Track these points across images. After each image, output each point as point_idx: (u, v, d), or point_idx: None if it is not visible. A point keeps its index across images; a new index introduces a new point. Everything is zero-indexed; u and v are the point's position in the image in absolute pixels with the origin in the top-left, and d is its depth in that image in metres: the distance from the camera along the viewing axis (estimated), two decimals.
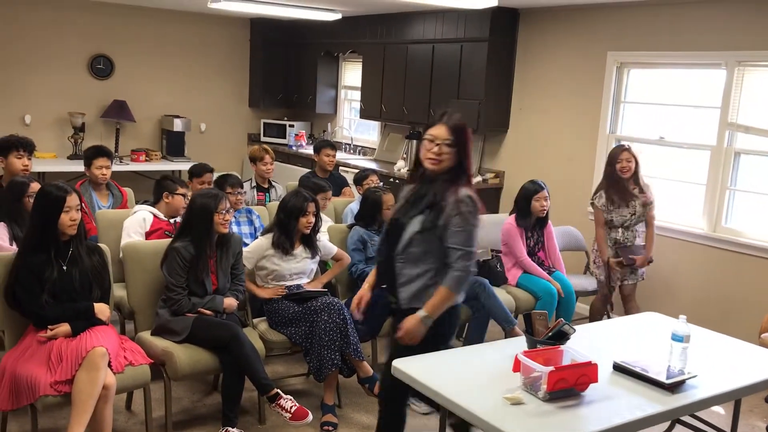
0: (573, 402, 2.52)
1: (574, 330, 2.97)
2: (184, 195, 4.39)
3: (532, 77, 6.48)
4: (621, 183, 4.80)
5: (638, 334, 3.38)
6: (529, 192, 4.83)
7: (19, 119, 7.83)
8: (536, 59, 6.42)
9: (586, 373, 2.58)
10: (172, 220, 4.40)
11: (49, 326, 3.19)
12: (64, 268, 3.28)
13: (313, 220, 4.03)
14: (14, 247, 3.73)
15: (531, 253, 4.91)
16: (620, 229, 4.84)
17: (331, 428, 3.73)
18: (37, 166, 4.66)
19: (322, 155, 5.91)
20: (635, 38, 5.60)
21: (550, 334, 2.93)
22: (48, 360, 3.08)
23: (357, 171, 5.94)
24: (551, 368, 2.51)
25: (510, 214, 4.96)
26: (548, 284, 4.71)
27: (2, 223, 3.90)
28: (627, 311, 4.83)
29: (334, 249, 4.27)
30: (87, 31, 8.08)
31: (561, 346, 2.81)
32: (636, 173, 4.84)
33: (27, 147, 4.48)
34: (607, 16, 5.78)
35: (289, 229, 3.99)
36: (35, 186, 3.91)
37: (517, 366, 2.64)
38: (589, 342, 3.14)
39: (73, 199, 3.29)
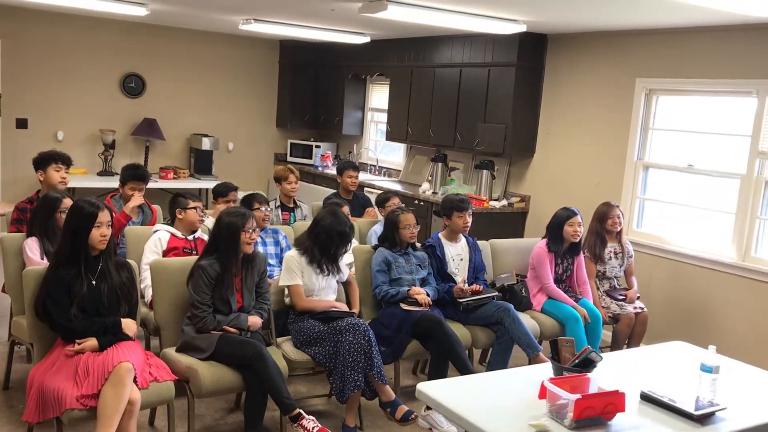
0: (600, 431, 2.49)
1: (601, 357, 2.94)
2: (196, 208, 4.43)
3: (560, 102, 6.47)
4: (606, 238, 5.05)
5: (666, 364, 3.33)
6: (562, 218, 4.83)
7: (52, 135, 7.98)
8: (564, 85, 6.42)
9: (614, 401, 2.54)
10: (191, 237, 4.43)
11: (76, 340, 3.23)
12: (94, 282, 3.33)
13: (349, 247, 4.11)
14: (45, 261, 3.80)
15: (559, 280, 4.88)
16: (612, 278, 5.12)
17: None
18: (69, 181, 4.76)
19: (344, 176, 5.95)
20: (664, 65, 5.58)
21: (576, 361, 2.90)
22: (75, 374, 3.11)
23: (380, 192, 5.96)
24: (578, 396, 2.48)
25: (543, 238, 4.94)
26: (574, 311, 4.66)
27: (34, 237, 3.97)
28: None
29: (346, 273, 4.27)
30: (120, 50, 8.25)
31: (588, 373, 2.78)
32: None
33: (64, 161, 4.63)
34: (637, 43, 5.77)
35: (332, 252, 4.03)
36: (67, 202, 3.99)
37: (543, 393, 2.62)
38: (617, 370, 3.10)
39: (104, 215, 3.34)
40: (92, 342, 3.21)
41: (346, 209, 4.98)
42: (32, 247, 3.93)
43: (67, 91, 8.02)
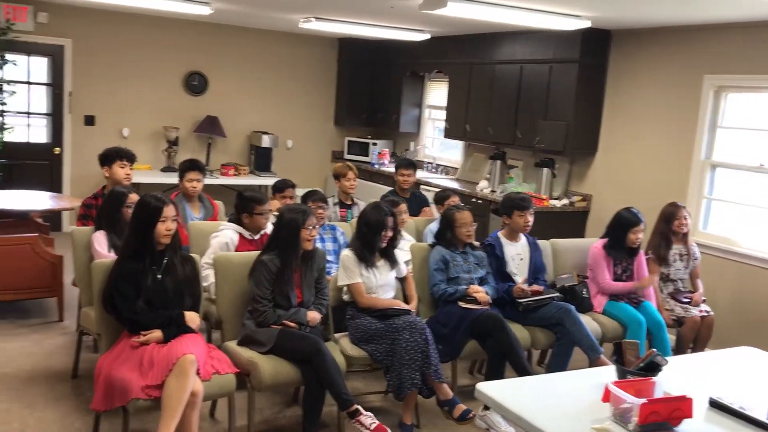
0: None
1: (667, 361, 2.86)
2: (261, 213, 4.34)
3: (624, 100, 6.32)
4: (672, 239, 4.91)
5: (735, 370, 3.21)
6: (627, 223, 4.70)
7: (118, 132, 8.22)
8: (628, 82, 6.27)
9: (681, 407, 2.47)
10: (257, 236, 4.47)
11: (142, 332, 3.31)
12: (159, 276, 3.41)
13: (390, 234, 4.05)
14: (112, 255, 3.91)
15: (618, 281, 4.76)
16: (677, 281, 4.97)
17: None
18: (134, 177, 4.88)
19: (397, 175, 5.95)
20: (734, 61, 5.39)
21: (641, 364, 2.82)
22: (140, 364, 3.19)
23: (438, 190, 5.92)
24: (644, 400, 2.41)
25: (601, 238, 4.83)
26: (636, 313, 4.55)
27: (102, 231, 4.09)
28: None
29: (405, 270, 4.26)
30: (183, 49, 8.44)
31: (653, 377, 2.71)
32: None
33: (129, 157, 4.75)
34: (705, 38, 5.59)
35: (372, 243, 4.02)
36: (134, 197, 4.09)
37: (606, 396, 2.56)
38: (683, 375, 3.01)
39: (169, 210, 3.41)
40: (157, 334, 3.29)
41: (403, 207, 4.96)
42: (100, 241, 4.05)
43: (133, 89, 8.25)
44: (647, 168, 6.10)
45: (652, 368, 2.80)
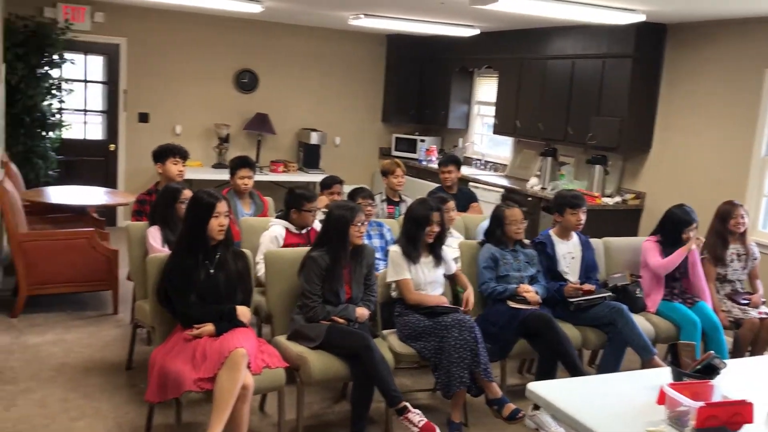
0: None
1: (725, 364, 2.77)
2: (310, 211, 4.41)
3: (679, 95, 6.17)
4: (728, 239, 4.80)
5: None
6: (680, 222, 4.58)
7: (171, 129, 8.38)
8: (684, 76, 6.11)
9: (741, 412, 2.39)
10: (304, 231, 4.52)
11: (194, 325, 3.37)
12: (211, 271, 3.46)
13: (436, 229, 4.02)
14: (166, 249, 3.98)
15: (672, 279, 4.65)
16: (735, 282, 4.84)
17: None
18: (186, 173, 4.97)
19: (440, 172, 5.91)
20: None
21: (698, 366, 2.75)
22: (193, 357, 3.24)
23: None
24: (701, 403, 2.35)
25: (652, 234, 4.72)
26: (690, 313, 4.44)
27: (156, 226, 4.17)
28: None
29: (454, 267, 4.22)
30: (234, 46, 8.55)
31: (711, 380, 2.63)
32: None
33: (182, 154, 4.82)
34: (766, 31, 5.40)
35: (416, 238, 4.01)
36: (187, 193, 4.16)
37: (661, 398, 2.50)
38: (742, 378, 2.92)
39: (222, 206, 3.46)
40: (209, 327, 3.34)
41: (451, 204, 4.91)
42: (154, 236, 4.13)
43: (185, 86, 8.39)
44: (704, 165, 5.94)
45: (710, 371, 2.73)
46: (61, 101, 7.34)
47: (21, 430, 3.56)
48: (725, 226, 4.77)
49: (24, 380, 4.14)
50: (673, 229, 4.61)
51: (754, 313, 4.63)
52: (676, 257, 4.53)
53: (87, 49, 7.92)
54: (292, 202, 4.44)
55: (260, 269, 4.11)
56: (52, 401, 3.91)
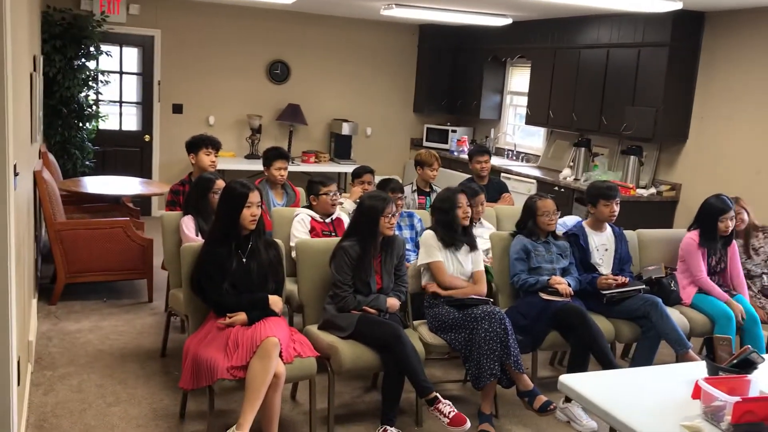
0: None
1: (764, 359, 2.72)
2: (327, 193, 4.49)
3: (717, 84, 6.04)
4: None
5: None
6: (715, 211, 4.49)
7: (204, 120, 8.46)
8: (722, 65, 5.99)
9: None
10: (328, 219, 4.54)
11: (227, 314, 3.40)
12: (244, 260, 3.49)
13: (468, 210, 4.03)
14: (200, 239, 4.03)
15: (711, 273, 4.57)
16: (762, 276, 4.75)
17: None
18: (218, 163, 5.02)
19: (473, 162, 5.86)
20: None
21: (735, 361, 2.70)
22: (226, 346, 3.28)
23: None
24: (738, 398, 2.31)
25: (689, 228, 4.64)
26: (725, 307, 4.35)
27: (190, 215, 4.22)
28: None
29: (482, 265, 4.19)
30: (267, 37, 8.59)
31: (748, 375, 2.59)
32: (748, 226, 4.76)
33: (214, 145, 4.86)
34: None
35: (449, 222, 4.01)
36: (220, 183, 4.20)
37: (697, 393, 2.47)
38: None
39: (254, 196, 3.49)
40: (242, 316, 3.37)
41: (481, 198, 4.87)
42: (188, 225, 4.18)
43: (218, 77, 8.46)
44: (742, 155, 5.82)
45: (747, 365, 2.68)
46: (97, 93, 7.45)
47: (59, 415, 3.64)
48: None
49: (62, 366, 4.23)
50: (709, 219, 4.52)
51: None
52: (719, 293, 4.44)
53: (122, 41, 8.02)
54: (309, 189, 4.58)
55: (294, 254, 4.16)
56: (88, 387, 3.99)
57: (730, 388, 2.44)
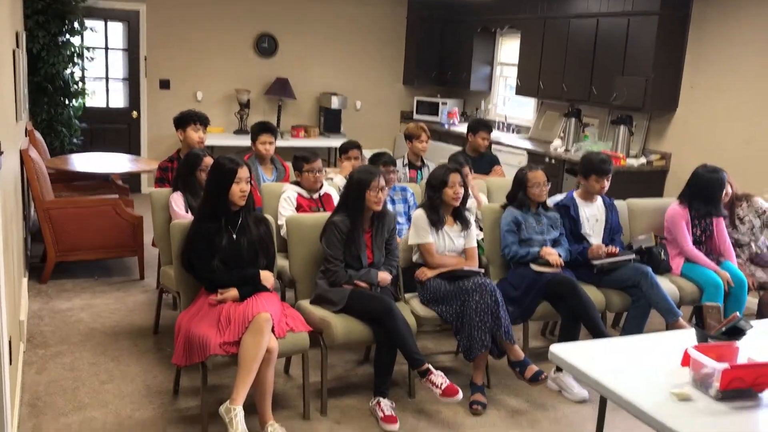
0: (749, 404, 2.34)
1: (751, 326, 2.75)
2: (310, 170, 4.45)
3: (707, 53, 6.02)
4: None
5: None
6: (716, 185, 4.48)
7: (192, 95, 8.38)
8: (712, 34, 5.96)
9: (766, 374, 2.38)
10: (315, 195, 4.53)
11: (219, 290, 3.40)
12: (234, 236, 3.48)
13: (459, 191, 3.98)
14: (190, 215, 4.01)
15: (698, 242, 4.59)
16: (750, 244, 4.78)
17: (479, 408, 3.71)
18: (207, 139, 4.98)
19: (477, 137, 5.82)
20: None
21: (723, 329, 2.73)
22: (218, 322, 3.28)
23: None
24: (726, 365, 2.33)
25: (679, 197, 4.64)
26: (714, 276, 4.38)
27: (179, 192, 4.20)
28: None
29: (474, 241, 4.18)
30: (253, 11, 8.48)
31: (736, 342, 2.61)
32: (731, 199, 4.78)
33: (203, 121, 4.83)
34: None
35: (436, 203, 4.00)
36: (208, 160, 4.18)
37: (686, 360, 2.49)
38: None
39: (243, 172, 3.47)
40: (233, 292, 3.37)
41: (466, 170, 4.84)
42: (177, 202, 4.16)
43: (205, 52, 8.36)
44: (732, 124, 5.82)
45: (735, 333, 2.71)
46: (83, 69, 7.36)
47: (52, 393, 3.65)
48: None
49: (54, 344, 4.23)
50: (699, 190, 4.52)
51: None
52: (705, 261, 4.46)
53: (107, 15, 7.91)
54: (294, 166, 4.56)
55: (283, 231, 4.15)
56: (81, 365, 4.00)
57: (718, 355, 2.47)
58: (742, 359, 2.51)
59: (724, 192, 4.62)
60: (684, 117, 6.28)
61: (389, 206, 4.66)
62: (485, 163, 5.88)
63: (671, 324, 4.10)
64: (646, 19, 6.15)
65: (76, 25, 6.91)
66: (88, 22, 7.21)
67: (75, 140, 7.11)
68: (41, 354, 4.10)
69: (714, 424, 2.21)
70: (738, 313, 2.80)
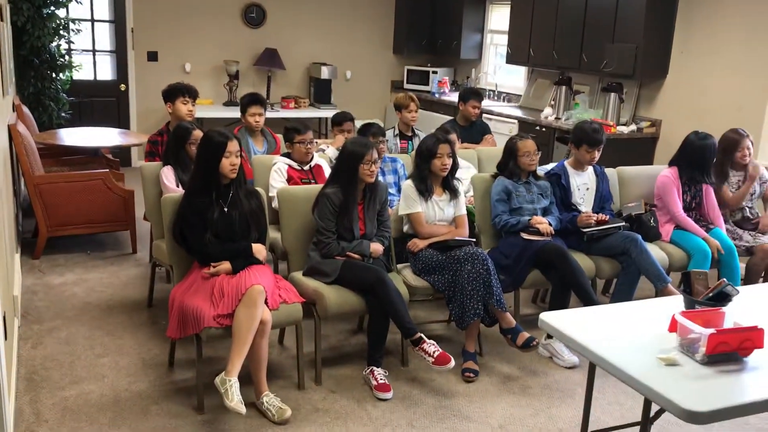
0: (734, 367, 2.39)
1: (738, 291, 2.79)
2: (302, 142, 4.44)
3: (698, 18, 5.99)
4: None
5: None
6: (700, 150, 4.51)
7: (180, 67, 8.31)
8: None
9: (751, 338, 2.42)
10: (306, 167, 4.52)
11: (212, 264, 3.42)
12: (225, 209, 3.49)
13: (447, 162, 3.99)
14: (180, 189, 4.01)
15: (687, 209, 4.62)
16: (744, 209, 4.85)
17: (472, 375, 3.76)
18: (196, 112, 4.95)
19: (468, 106, 5.81)
20: None
21: (710, 294, 2.77)
22: (211, 295, 3.30)
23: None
24: (712, 330, 2.38)
25: (670, 165, 4.67)
26: (702, 243, 4.41)
27: (169, 166, 4.18)
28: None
29: (464, 209, 4.19)
30: None
31: (722, 308, 2.65)
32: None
33: (191, 93, 4.79)
34: None
35: (424, 173, 4.01)
36: (197, 133, 4.16)
37: (673, 326, 2.53)
38: (754, 305, 2.94)
39: (233, 145, 3.46)
40: (226, 265, 3.39)
41: (453, 137, 4.83)
42: (168, 176, 4.15)
43: (193, 23, 8.27)
44: (722, 90, 5.82)
45: (722, 298, 2.75)
46: (69, 42, 7.26)
47: (48, 367, 3.68)
48: (729, 157, 4.71)
49: (49, 320, 4.26)
50: (690, 157, 4.55)
51: (765, 239, 4.62)
52: (695, 228, 4.50)
53: None
54: (285, 137, 4.55)
55: (274, 203, 4.16)
56: (76, 339, 4.02)
57: (705, 321, 2.51)
58: (728, 324, 2.55)
59: (742, 152, 4.68)
60: (674, 83, 6.28)
61: (380, 178, 4.66)
62: (476, 132, 5.88)
63: (661, 290, 4.15)
64: None
65: None
66: None
67: (63, 114, 7.05)
68: (36, 329, 4.12)
69: (700, 387, 2.25)
70: (725, 279, 2.83)
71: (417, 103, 5.52)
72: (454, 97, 7.84)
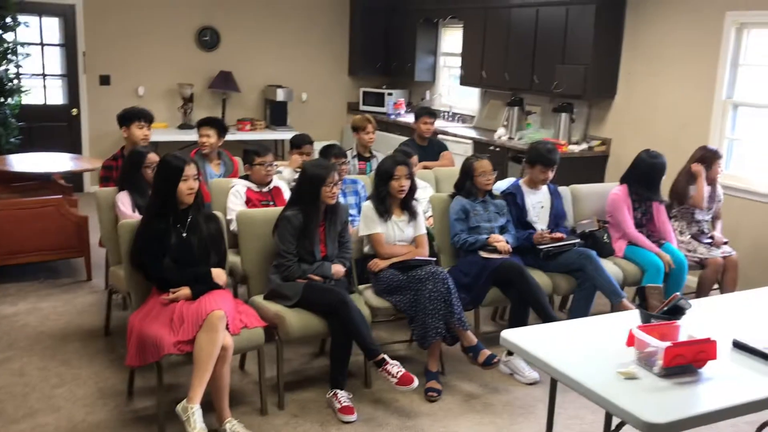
0: (690, 379, 2.46)
1: (690, 305, 2.87)
2: (262, 164, 4.45)
3: (643, 41, 6.20)
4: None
5: (758, 311, 3.23)
6: (650, 168, 4.66)
7: (133, 91, 8.22)
8: (647, 21, 6.14)
9: (705, 349, 2.50)
10: (266, 189, 4.52)
11: (171, 289, 3.37)
12: (184, 234, 3.45)
13: (405, 183, 4.03)
14: (136, 215, 3.96)
15: (639, 225, 4.75)
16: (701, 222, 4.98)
17: (435, 394, 3.78)
18: (152, 136, 4.90)
19: (419, 123, 5.89)
20: None
21: (665, 308, 2.85)
22: (171, 321, 3.26)
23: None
24: (668, 343, 2.44)
25: (621, 182, 4.80)
26: (655, 257, 4.54)
27: (125, 191, 4.13)
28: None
29: (422, 227, 4.23)
30: (194, 3, 8.35)
31: (677, 321, 2.73)
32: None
33: (147, 118, 4.76)
34: None
35: (382, 195, 4.04)
36: (153, 157, 4.12)
37: (631, 340, 2.59)
38: (706, 318, 3.03)
39: (190, 169, 3.44)
40: (185, 291, 3.35)
41: (415, 159, 4.88)
42: (124, 201, 4.09)
43: (146, 46, 8.20)
44: (668, 109, 6.02)
45: (676, 312, 2.83)
46: (17, 66, 7.12)
47: (2, 399, 3.57)
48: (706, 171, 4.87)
49: (1, 350, 4.13)
50: (641, 175, 4.69)
51: (717, 253, 4.77)
52: (647, 244, 4.62)
53: (41, 10, 7.67)
54: (245, 159, 4.56)
55: (233, 226, 4.13)
56: (30, 370, 3.92)
57: (661, 334, 2.58)
58: (683, 337, 2.63)
59: (716, 170, 4.86)
60: (623, 103, 6.47)
61: (340, 199, 4.68)
62: (434, 150, 5.95)
63: (616, 305, 4.24)
64: (584, 8, 6.30)
65: (8, 20, 6.69)
66: (21, 18, 6.98)
67: (12, 140, 6.89)
68: None
69: (659, 400, 2.31)
70: (678, 293, 2.92)
71: (374, 124, 5.57)
72: (409, 118, 7.93)
